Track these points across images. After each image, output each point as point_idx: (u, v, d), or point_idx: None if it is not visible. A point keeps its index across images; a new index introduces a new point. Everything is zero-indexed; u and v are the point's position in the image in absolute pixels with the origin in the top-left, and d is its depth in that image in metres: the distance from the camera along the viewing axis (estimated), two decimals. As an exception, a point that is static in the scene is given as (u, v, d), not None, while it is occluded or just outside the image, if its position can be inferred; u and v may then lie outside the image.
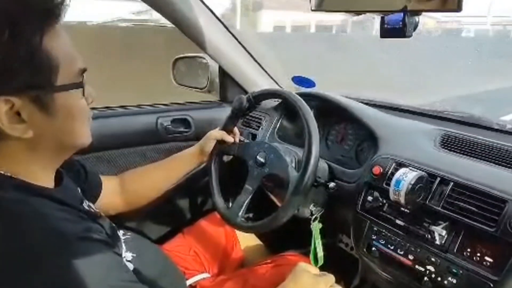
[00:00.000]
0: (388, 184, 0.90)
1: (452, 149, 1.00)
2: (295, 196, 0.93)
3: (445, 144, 1.03)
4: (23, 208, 0.58)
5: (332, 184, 1.01)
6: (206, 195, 1.55)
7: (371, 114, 1.17)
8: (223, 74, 1.52)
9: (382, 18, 0.56)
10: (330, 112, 1.25)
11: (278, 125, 1.40)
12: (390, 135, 1.07)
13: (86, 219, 0.66)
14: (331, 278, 0.85)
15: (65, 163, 0.72)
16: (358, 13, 0.61)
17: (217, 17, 1.33)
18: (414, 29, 0.60)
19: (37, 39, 0.54)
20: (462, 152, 0.98)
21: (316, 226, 1.12)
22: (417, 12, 0.57)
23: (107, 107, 1.36)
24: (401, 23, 0.57)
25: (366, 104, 1.29)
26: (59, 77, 0.58)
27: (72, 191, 0.77)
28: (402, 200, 0.83)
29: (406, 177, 0.83)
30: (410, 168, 0.88)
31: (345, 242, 1.44)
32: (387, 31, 0.57)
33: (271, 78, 1.58)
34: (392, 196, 0.86)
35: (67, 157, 0.71)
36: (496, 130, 1.16)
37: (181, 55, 1.65)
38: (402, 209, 0.90)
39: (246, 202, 1.05)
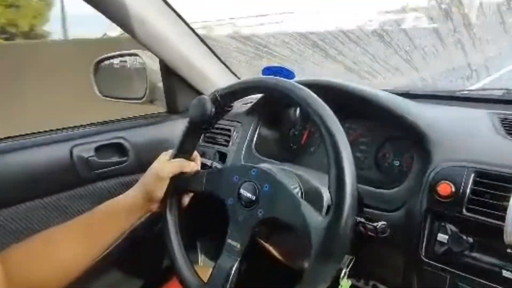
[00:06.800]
0: (473, 210, 0.52)
1: None
2: (326, 261, 0.51)
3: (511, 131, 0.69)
4: None
5: (381, 225, 0.60)
6: (161, 256, 1.09)
7: (401, 103, 0.78)
8: (169, 75, 1.07)
9: None
10: (342, 107, 0.86)
11: (255, 135, 0.98)
12: (441, 131, 0.70)
13: None
14: None
15: None
16: None
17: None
18: None
19: None
20: None
21: (345, 286, 0.71)
22: None
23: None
24: None
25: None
26: None
27: None
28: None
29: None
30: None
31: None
32: None
33: (236, 76, 1.17)
34: (509, 236, 0.47)
35: None
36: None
37: (105, 55, 1.18)
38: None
39: (234, 269, 0.62)
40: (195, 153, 0.79)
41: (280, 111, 1.01)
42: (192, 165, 0.75)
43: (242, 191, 0.64)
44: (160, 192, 0.72)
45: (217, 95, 0.70)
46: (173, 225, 0.73)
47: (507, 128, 0.70)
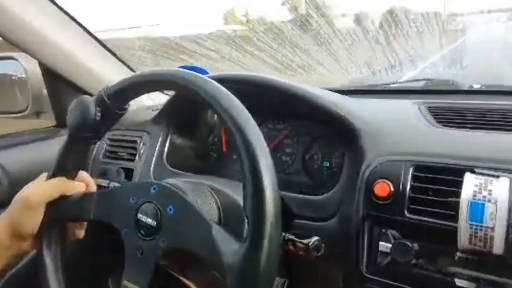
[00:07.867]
0: (415, 211, 0.45)
1: (453, 124, 0.61)
2: None
3: (441, 119, 0.64)
4: None
5: (314, 241, 0.49)
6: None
7: (327, 97, 0.69)
8: (53, 80, 0.87)
9: None
10: (264, 105, 0.74)
11: (167, 145, 0.82)
12: (372, 124, 0.62)
13: None
14: None
15: None
16: None
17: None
18: None
19: None
20: (465, 125, 0.60)
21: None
22: None
23: None
24: None
25: None
26: None
27: None
28: (497, 248, 0.36)
29: (495, 195, 0.37)
30: (480, 172, 0.42)
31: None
32: None
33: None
34: (464, 241, 0.39)
35: None
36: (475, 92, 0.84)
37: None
38: (472, 257, 0.43)
39: None
40: (83, 174, 0.61)
41: (195, 114, 0.87)
42: (77, 186, 0.57)
43: (140, 215, 0.49)
44: (31, 224, 0.53)
45: (103, 95, 0.53)
46: (53, 268, 0.55)
47: (436, 116, 0.65)
